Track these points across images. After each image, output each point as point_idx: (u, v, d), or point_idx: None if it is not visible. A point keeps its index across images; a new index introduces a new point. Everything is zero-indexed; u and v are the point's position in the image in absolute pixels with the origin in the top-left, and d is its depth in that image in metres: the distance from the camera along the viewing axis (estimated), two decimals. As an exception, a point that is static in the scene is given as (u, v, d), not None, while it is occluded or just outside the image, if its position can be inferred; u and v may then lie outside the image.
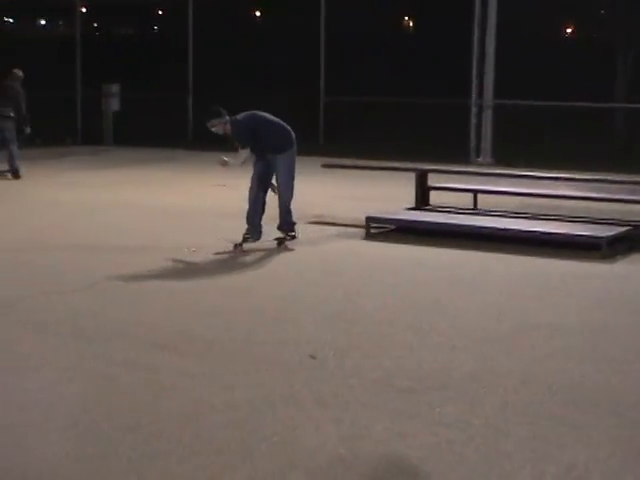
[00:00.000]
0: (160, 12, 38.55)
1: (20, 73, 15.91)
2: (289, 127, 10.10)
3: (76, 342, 6.50)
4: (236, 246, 9.78)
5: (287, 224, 10.05)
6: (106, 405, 5.28)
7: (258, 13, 37.04)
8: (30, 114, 15.74)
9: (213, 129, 9.98)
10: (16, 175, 15.54)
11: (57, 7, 26.84)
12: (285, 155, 9.96)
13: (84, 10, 24.63)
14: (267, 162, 9.98)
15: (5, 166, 15.64)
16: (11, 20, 35.05)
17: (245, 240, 9.86)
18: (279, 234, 10.06)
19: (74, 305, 7.49)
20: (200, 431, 4.92)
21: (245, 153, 9.90)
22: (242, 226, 9.84)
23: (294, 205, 10.01)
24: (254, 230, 9.92)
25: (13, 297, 7.70)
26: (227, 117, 9.95)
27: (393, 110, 21.13)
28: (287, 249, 9.91)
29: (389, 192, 13.42)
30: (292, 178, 10.02)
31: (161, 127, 21.97)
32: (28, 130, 15.78)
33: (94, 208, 12.48)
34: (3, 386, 5.60)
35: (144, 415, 5.13)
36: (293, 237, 10.06)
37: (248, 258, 9.45)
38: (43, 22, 41.30)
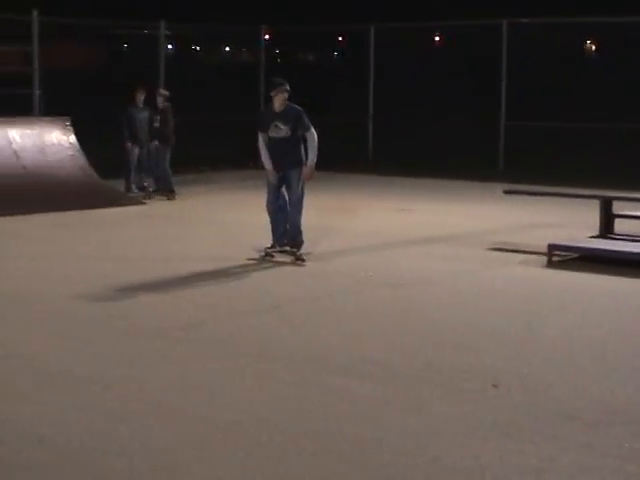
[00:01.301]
0: (340, 38, 39.12)
1: (166, 92, 16.42)
2: None
3: (260, 364, 6.61)
4: (297, 257, 10.23)
5: (293, 240, 10.34)
6: (291, 428, 5.35)
7: (437, 38, 37.16)
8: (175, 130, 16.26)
9: (279, 95, 10.18)
10: (171, 195, 16.01)
11: (242, 35, 27.51)
12: (299, 170, 10.22)
13: (267, 37, 25.14)
14: (274, 175, 10.27)
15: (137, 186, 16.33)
16: (197, 48, 36.16)
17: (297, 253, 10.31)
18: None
19: (259, 327, 7.63)
20: (381, 456, 4.93)
21: (313, 142, 10.17)
22: (420, 250, 9.81)
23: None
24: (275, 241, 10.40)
25: (198, 318, 7.91)
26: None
27: (575, 135, 20.76)
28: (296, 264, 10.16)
29: (571, 219, 13.17)
30: (302, 196, 10.33)
31: (342, 151, 22.20)
32: (173, 141, 16.23)
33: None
34: (187, 403, 5.75)
35: (328, 439, 5.18)
36: (299, 257, 10.25)
37: (425, 286, 9.42)
38: (227, 49, 42.38)
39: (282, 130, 10.16)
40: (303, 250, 10.46)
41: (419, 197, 16.69)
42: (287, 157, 10.23)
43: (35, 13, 17.41)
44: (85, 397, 5.85)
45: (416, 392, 5.98)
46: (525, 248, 11.13)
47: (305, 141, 10.31)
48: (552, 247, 10.50)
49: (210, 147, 20.93)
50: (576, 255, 10.60)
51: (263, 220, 10.62)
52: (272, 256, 10.39)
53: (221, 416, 5.52)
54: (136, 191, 16.27)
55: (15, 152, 15.24)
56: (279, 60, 36.69)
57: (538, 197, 13.76)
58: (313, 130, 10.23)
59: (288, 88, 10.21)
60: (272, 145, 10.27)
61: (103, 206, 14.63)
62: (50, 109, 17.16)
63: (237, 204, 15.64)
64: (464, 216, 14.34)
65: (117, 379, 6.21)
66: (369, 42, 22.01)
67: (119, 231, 12.64)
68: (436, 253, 11.04)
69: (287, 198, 10.40)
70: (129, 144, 16.21)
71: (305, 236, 10.54)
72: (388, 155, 21.68)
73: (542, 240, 10.83)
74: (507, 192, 12.84)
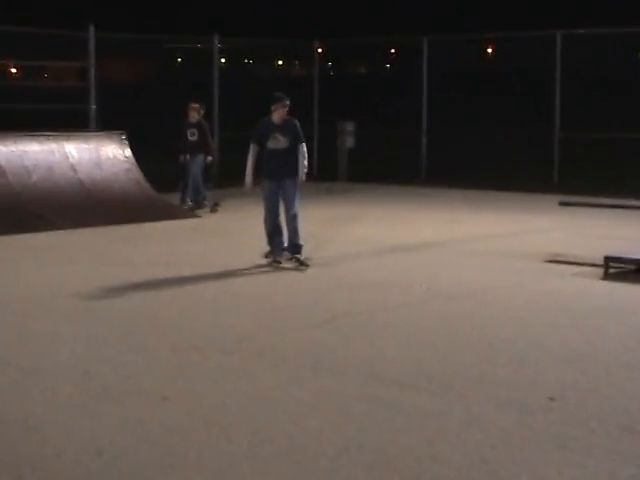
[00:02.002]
0: (392, 51, 39.15)
1: (197, 105, 16.61)
2: None
3: (314, 377, 6.62)
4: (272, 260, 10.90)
5: (295, 246, 10.87)
6: (345, 441, 5.34)
7: (490, 50, 37.03)
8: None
9: (279, 109, 10.77)
10: (215, 208, 16.26)
11: (295, 48, 27.65)
12: (295, 180, 10.78)
13: (319, 51, 25.23)
14: (273, 185, 10.78)
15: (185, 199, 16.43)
16: (251, 61, 36.41)
17: (267, 257, 10.96)
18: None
19: (313, 340, 7.64)
20: (437, 470, 4.91)
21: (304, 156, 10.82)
22: (473, 263, 9.76)
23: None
24: (274, 250, 10.94)
25: (253, 330, 7.92)
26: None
27: (630, 146, 20.55)
28: (297, 269, 10.68)
29: (627, 230, 13.05)
30: (298, 202, 10.86)
31: (394, 164, 22.20)
32: (209, 159, 16.49)
33: (328, 244, 12.69)
34: (242, 415, 5.76)
35: (382, 452, 5.16)
36: (303, 262, 10.79)
37: (479, 299, 9.37)
38: (280, 62, 42.65)
39: (281, 142, 10.76)
40: (305, 255, 10.93)
41: (472, 209, 16.63)
42: (285, 167, 10.76)
43: (92, 29, 17.62)
44: (142, 410, 5.89)
45: (471, 405, 5.95)
46: (581, 260, 11.03)
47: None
48: (609, 259, 10.40)
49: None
50: (633, 267, 10.48)
51: (309, 232, 10.79)
52: (279, 262, 10.87)
53: (276, 430, 5.53)
54: (190, 204, 16.36)
55: (72, 166, 15.45)
56: (332, 73, 36.80)
57: (594, 209, 13.66)
58: (304, 143, 10.92)
59: (288, 102, 10.84)
60: (270, 155, 10.82)
61: (158, 219, 14.77)
62: (105, 123, 17.36)
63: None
64: (519, 228, 14.26)
65: (172, 392, 6.25)
66: (422, 54, 21.96)
67: (170, 243, 12.71)
68: (490, 265, 10.99)
69: (284, 206, 10.90)
70: (188, 157, 16.32)
71: (306, 241, 11.07)
72: (441, 167, 21.63)
73: (598, 252, 10.73)
74: (562, 204, 12.75)
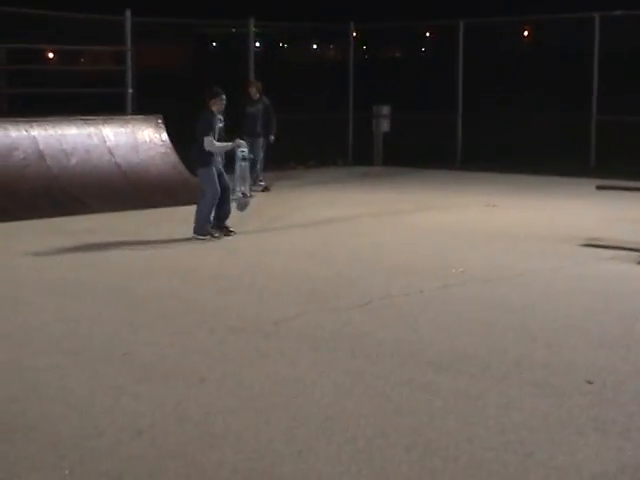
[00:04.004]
0: (428, 34, 38.97)
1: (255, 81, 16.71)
2: None
3: (352, 359, 6.64)
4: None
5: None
6: (382, 423, 5.37)
7: (526, 33, 36.83)
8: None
9: (218, 102, 11.63)
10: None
11: (330, 32, 27.58)
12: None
13: (354, 34, 25.15)
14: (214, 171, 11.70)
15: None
16: (286, 45, 36.40)
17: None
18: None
19: (350, 323, 7.66)
20: (474, 452, 4.93)
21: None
22: (510, 247, 9.72)
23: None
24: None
25: (291, 313, 7.96)
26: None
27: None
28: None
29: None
30: None
31: (430, 148, 22.14)
32: (272, 138, 16.69)
33: (366, 227, 12.71)
34: (280, 397, 5.81)
35: (419, 434, 5.19)
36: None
37: (515, 282, 9.35)
38: (315, 46, 42.60)
39: (221, 129, 11.76)
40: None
41: (508, 193, 16.56)
42: (223, 156, 11.97)
43: (128, 13, 17.69)
44: (180, 391, 5.95)
45: (508, 388, 5.95)
46: (618, 244, 10.96)
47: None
48: (646, 243, 10.34)
49: (299, 144, 21.00)
50: (671, 251, 10.41)
51: (343, 213, 10.67)
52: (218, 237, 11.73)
53: (314, 411, 5.56)
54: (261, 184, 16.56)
55: (109, 150, 15.54)
56: (366, 57, 36.72)
57: (631, 192, 13.56)
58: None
59: (224, 96, 11.70)
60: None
61: (194, 202, 14.78)
62: (142, 107, 17.44)
63: (319, 201, 15.69)
64: (555, 212, 14.20)
65: (210, 374, 6.30)
66: (458, 37, 21.82)
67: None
68: (526, 249, 10.95)
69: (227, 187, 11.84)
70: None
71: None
72: (477, 150, 21.56)
73: (636, 236, 10.68)
74: (600, 187, 12.66)
